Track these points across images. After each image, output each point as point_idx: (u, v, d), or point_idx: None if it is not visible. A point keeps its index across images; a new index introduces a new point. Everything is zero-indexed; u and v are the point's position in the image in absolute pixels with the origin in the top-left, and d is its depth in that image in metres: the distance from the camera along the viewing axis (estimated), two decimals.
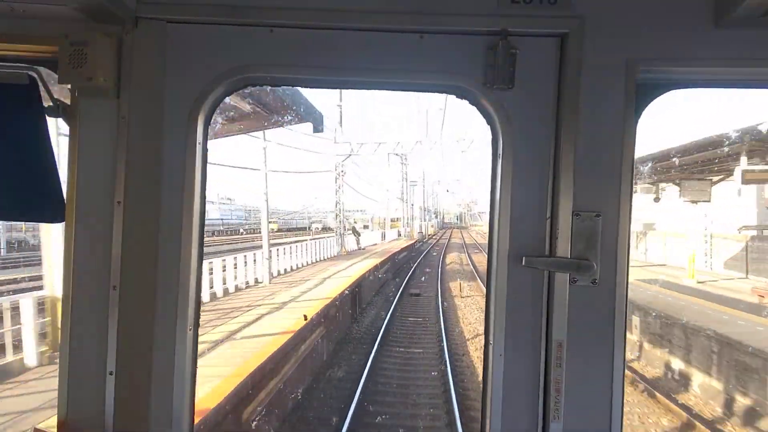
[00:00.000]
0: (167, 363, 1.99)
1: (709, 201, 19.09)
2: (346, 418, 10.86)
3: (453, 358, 15.07)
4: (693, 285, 20.48)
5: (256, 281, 22.50)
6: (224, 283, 20.37)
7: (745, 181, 16.64)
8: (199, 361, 2.13)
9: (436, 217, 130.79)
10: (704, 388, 12.66)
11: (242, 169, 39.63)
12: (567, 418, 1.98)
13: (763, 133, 16.11)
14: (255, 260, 23.07)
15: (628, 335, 5.20)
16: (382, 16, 1.98)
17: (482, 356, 2.19)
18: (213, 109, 2.06)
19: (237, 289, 20.97)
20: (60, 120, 2.00)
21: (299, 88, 9.08)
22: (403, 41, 1.99)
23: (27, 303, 11.20)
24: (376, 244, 53.06)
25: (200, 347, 4.44)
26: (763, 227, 23.44)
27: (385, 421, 11.22)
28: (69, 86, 1.94)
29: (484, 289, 2.22)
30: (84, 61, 1.89)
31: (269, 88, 9.50)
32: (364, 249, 44.72)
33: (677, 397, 12.37)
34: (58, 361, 2.00)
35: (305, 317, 14.14)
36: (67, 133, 2.00)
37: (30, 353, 10.92)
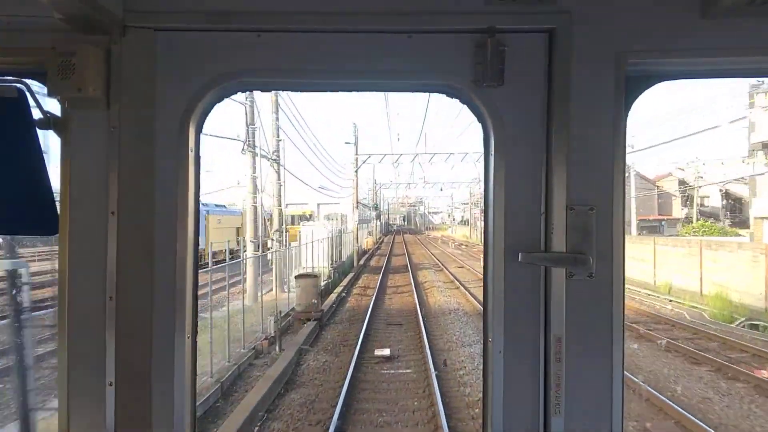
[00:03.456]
0: (166, 372, 2.04)
1: None
2: None
3: None
4: None
5: None
6: None
7: None
8: None
9: (379, 217, 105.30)
10: None
11: None
12: (568, 412, 2.03)
13: None
14: None
15: None
16: (369, 18, 2.04)
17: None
18: (204, 116, 2.12)
19: None
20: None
21: None
22: (392, 42, 2.05)
23: None
24: None
25: None
26: None
27: None
28: (58, 98, 2.00)
29: None
30: (72, 72, 1.92)
31: None
32: None
33: None
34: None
35: None
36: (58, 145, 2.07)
37: None
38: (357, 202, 46.55)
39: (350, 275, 35.57)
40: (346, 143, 47.95)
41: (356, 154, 45.04)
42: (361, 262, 44.76)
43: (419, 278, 34.45)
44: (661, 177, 61.42)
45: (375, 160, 49.98)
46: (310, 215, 54.38)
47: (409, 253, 55.66)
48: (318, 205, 79.33)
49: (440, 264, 43.79)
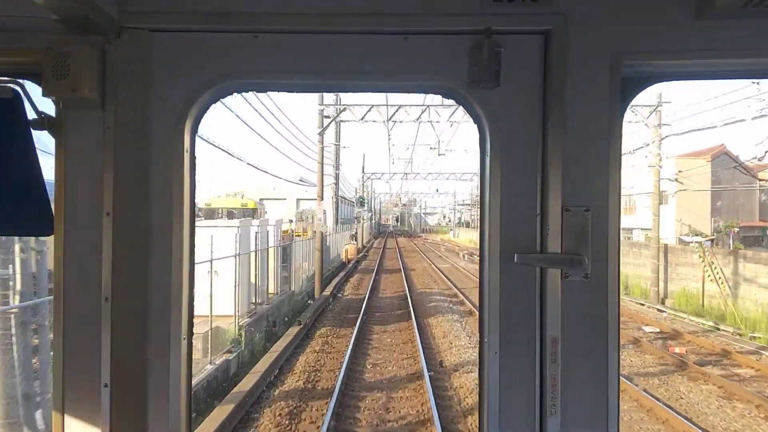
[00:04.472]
0: (162, 374, 2.05)
1: None
2: None
3: None
4: None
5: None
6: None
7: None
8: None
9: (371, 218, 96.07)
10: None
11: None
12: (564, 413, 2.04)
13: None
14: None
15: None
16: (365, 19, 2.06)
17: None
18: (200, 116, 2.13)
19: None
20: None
21: None
22: (388, 43, 2.07)
23: None
24: None
25: None
26: None
27: None
28: (53, 98, 2.01)
29: None
30: (67, 73, 1.92)
31: None
32: None
33: None
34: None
35: None
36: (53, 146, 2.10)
37: None
38: (323, 189, 27.25)
39: (294, 332, 17.50)
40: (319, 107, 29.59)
41: (322, 104, 26.73)
42: (329, 291, 26.89)
43: (436, 340, 16.87)
44: (764, 167, 44.59)
45: (362, 136, 31.78)
46: (254, 209, 36.05)
47: (407, 269, 38.03)
48: (297, 200, 61.88)
49: (461, 294, 26.08)
